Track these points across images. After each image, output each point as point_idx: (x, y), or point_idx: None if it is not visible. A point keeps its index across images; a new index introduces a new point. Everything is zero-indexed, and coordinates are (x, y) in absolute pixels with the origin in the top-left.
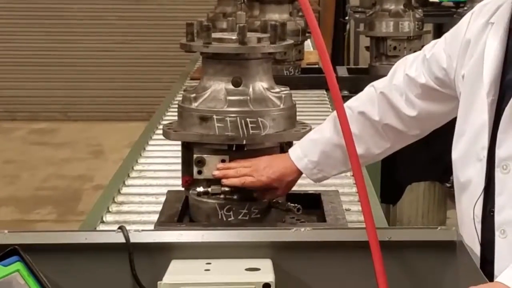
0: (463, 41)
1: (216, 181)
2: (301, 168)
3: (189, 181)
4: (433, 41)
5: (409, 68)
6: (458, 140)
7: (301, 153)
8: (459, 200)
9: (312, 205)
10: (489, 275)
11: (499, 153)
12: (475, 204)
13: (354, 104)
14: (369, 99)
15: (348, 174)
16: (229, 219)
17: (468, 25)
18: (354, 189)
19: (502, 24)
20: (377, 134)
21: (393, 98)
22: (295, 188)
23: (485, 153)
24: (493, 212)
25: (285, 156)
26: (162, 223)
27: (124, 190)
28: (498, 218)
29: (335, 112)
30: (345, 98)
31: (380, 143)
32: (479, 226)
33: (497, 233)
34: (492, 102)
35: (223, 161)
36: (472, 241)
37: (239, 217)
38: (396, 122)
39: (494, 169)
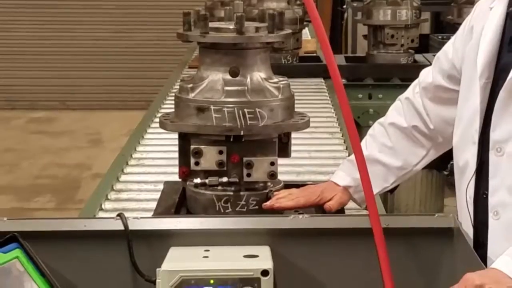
0: (466, 29)
1: (214, 172)
2: (344, 185)
3: (186, 172)
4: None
5: (423, 72)
6: (458, 125)
7: (342, 173)
8: (458, 184)
9: None
10: (482, 257)
11: (494, 136)
12: (467, 186)
13: (383, 119)
14: (396, 110)
15: None
16: (227, 210)
17: (473, 13)
18: None
19: (501, 8)
20: (410, 142)
21: (415, 102)
22: (293, 179)
23: (478, 136)
24: (486, 194)
25: (329, 182)
26: (159, 215)
27: (123, 178)
28: (492, 200)
29: (369, 131)
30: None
31: (415, 150)
32: (471, 208)
33: (490, 214)
34: (485, 85)
35: (220, 152)
36: (467, 224)
37: (237, 208)
38: (422, 125)
39: (488, 152)
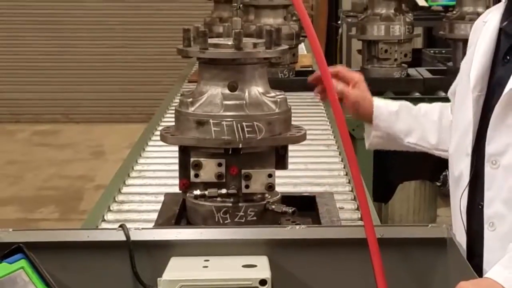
0: (468, 46)
1: (213, 184)
2: (376, 104)
3: (186, 184)
4: None
5: None
6: (453, 136)
7: (384, 103)
8: (453, 194)
9: (307, 207)
10: (476, 267)
11: (489, 149)
12: (461, 196)
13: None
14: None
15: (342, 173)
16: (226, 221)
17: (472, 30)
18: (348, 188)
19: (493, 23)
20: (429, 127)
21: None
22: (290, 190)
23: (471, 148)
24: (481, 205)
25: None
26: (160, 226)
27: (125, 189)
28: (487, 211)
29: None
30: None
31: (428, 133)
32: (465, 218)
33: (486, 225)
34: (478, 98)
35: (219, 164)
36: (461, 234)
37: (236, 219)
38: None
39: (484, 164)
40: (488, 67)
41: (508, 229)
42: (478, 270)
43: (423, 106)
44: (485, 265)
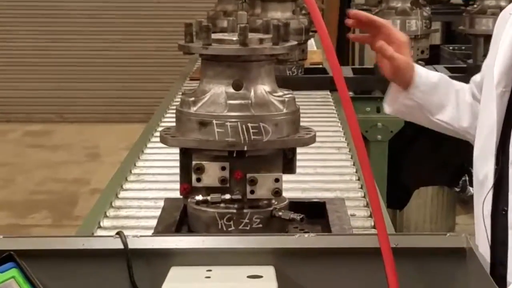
0: (492, 38)
1: (216, 189)
2: (418, 73)
3: (187, 189)
4: None
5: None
6: (478, 138)
7: (426, 73)
8: (476, 200)
9: (316, 214)
10: (499, 277)
11: None
12: (484, 201)
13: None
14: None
15: (354, 178)
16: (230, 229)
17: (497, 23)
18: (360, 194)
19: None
20: (463, 107)
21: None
22: (299, 196)
23: (495, 148)
24: (506, 210)
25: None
26: (160, 233)
27: (122, 194)
28: None
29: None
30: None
31: (461, 114)
32: (488, 224)
33: (510, 232)
34: (502, 94)
35: (223, 168)
36: (483, 242)
37: (240, 227)
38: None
39: (508, 166)
40: None
41: None
42: (502, 280)
43: (455, 83)
44: (509, 276)
